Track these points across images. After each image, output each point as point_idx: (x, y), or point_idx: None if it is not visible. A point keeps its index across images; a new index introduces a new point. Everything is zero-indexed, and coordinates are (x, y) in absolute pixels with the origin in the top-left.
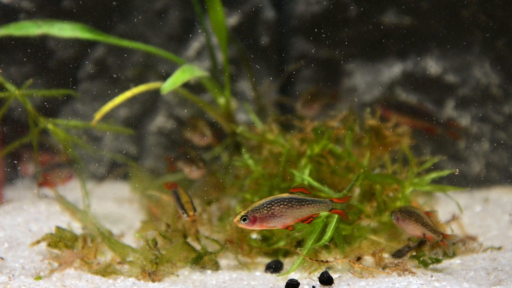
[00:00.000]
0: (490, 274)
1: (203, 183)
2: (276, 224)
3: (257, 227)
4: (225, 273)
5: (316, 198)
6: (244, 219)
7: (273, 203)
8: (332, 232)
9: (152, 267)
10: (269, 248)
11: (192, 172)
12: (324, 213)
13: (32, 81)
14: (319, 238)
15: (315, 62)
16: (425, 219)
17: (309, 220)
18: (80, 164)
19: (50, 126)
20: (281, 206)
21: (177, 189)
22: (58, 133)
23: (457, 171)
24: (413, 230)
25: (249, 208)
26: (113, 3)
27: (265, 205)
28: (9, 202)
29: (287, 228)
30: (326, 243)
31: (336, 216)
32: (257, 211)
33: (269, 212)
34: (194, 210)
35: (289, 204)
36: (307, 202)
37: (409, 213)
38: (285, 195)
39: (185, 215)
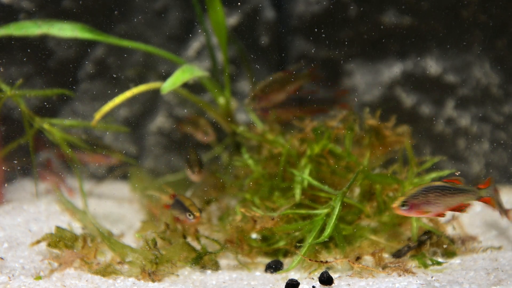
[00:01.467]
0: (490, 274)
1: (203, 183)
2: (430, 210)
3: (413, 213)
4: (225, 273)
5: (465, 187)
6: (404, 204)
7: (429, 189)
8: (332, 229)
9: (152, 267)
10: (269, 248)
11: (193, 175)
12: (323, 212)
13: (22, 81)
14: (318, 237)
15: (315, 62)
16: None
17: (461, 208)
18: (78, 164)
19: (46, 125)
20: (436, 193)
21: (177, 197)
22: (54, 133)
23: (457, 172)
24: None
25: (408, 195)
26: (115, 12)
27: (421, 192)
28: (9, 202)
29: (439, 215)
30: (325, 239)
31: (336, 213)
32: (415, 197)
33: (425, 199)
34: (200, 211)
35: (443, 192)
36: (458, 191)
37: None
38: (438, 183)
39: (191, 217)
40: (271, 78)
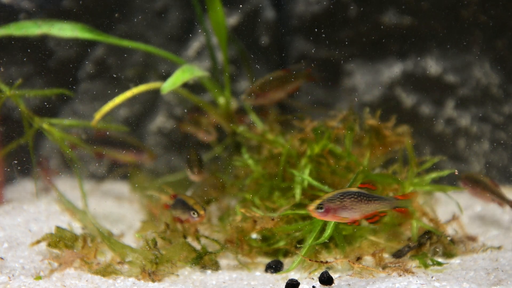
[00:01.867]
0: (490, 274)
1: (203, 183)
2: (346, 216)
3: (329, 217)
4: (225, 273)
5: (381, 196)
6: (320, 207)
7: (345, 195)
8: (332, 230)
9: (152, 267)
10: (269, 248)
11: (193, 175)
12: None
13: (21, 81)
14: (318, 237)
15: (315, 62)
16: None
17: (374, 218)
18: (78, 163)
19: (45, 125)
20: (352, 199)
21: (179, 196)
22: (54, 133)
23: (457, 172)
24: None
25: (325, 198)
26: (116, 15)
27: (338, 196)
28: (9, 202)
29: (354, 222)
30: (326, 240)
31: None
32: (331, 201)
33: (341, 204)
34: (204, 209)
35: (359, 198)
36: (374, 198)
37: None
38: (354, 189)
39: (195, 215)
40: (270, 77)
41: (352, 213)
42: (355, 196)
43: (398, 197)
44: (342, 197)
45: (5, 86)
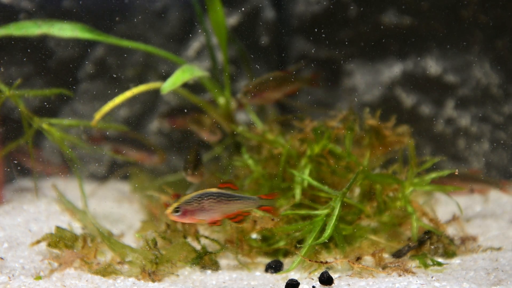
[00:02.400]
0: (490, 274)
1: (202, 183)
2: (205, 218)
3: (187, 220)
4: (225, 273)
5: (244, 195)
6: (176, 210)
7: (203, 196)
8: (332, 230)
9: (152, 267)
10: (269, 248)
11: (188, 176)
12: (323, 212)
13: (20, 81)
14: (318, 237)
15: (315, 62)
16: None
17: (237, 218)
18: (78, 163)
19: (44, 125)
20: (211, 200)
21: (180, 197)
22: (53, 133)
23: (457, 172)
24: None
25: (181, 201)
26: (116, 18)
27: (195, 198)
28: (9, 202)
29: (214, 223)
30: (325, 240)
31: (336, 214)
32: (189, 203)
33: (200, 205)
34: None
35: (218, 199)
36: (235, 198)
37: None
38: (214, 189)
39: None
40: (269, 77)
41: (212, 214)
42: (215, 197)
43: (262, 197)
44: (200, 199)
45: (4, 86)
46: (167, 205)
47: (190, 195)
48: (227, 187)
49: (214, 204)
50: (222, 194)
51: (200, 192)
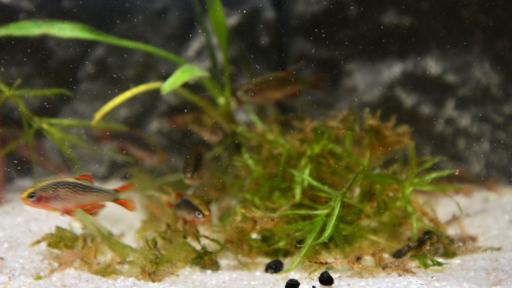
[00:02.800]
0: (490, 274)
1: (202, 184)
2: (58, 206)
3: (41, 206)
4: (225, 273)
5: (100, 187)
6: (31, 196)
7: (59, 184)
8: (332, 230)
9: (152, 267)
10: (269, 248)
11: (186, 179)
12: (323, 212)
13: (20, 81)
14: (318, 237)
15: (315, 62)
16: None
17: (92, 210)
18: (78, 163)
19: (44, 125)
20: (66, 189)
21: (184, 196)
22: (53, 133)
23: (457, 171)
24: None
25: (37, 187)
26: (117, 21)
27: (51, 185)
28: (9, 202)
29: (68, 213)
30: (325, 240)
31: (336, 214)
32: (44, 190)
33: (55, 193)
34: (209, 210)
35: (74, 189)
36: (91, 190)
37: None
38: (71, 179)
39: (200, 215)
40: (271, 77)
41: (66, 203)
42: (71, 187)
43: (119, 189)
44: (55, 187)
45: (4, 86)
46: (170, 205)
47: (46, 181)
48: (84, 179)
49: (69, 194)
50: (78, 185)
51: (56, 180)
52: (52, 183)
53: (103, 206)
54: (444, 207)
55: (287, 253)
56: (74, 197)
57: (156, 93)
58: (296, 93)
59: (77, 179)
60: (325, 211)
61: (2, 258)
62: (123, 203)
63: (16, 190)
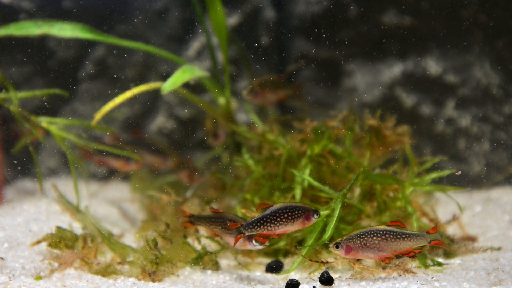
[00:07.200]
0: (490, 274)
1: (202, 184)
2: (370, 255)
3: (351, 256)
4: (225, 273)
5: (412, 232)
6: (337, 246)
7: (367, 234)
8: (332, 231)
9: (152, 267)
10: (269, 248)
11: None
12: (324, 213)
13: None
14: (319, 238)
15: (315, 62)
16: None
17: (410, 254)
18: (78, 164)
19: (44, 124)
20: (375, 238)
21: (223, 214)
22: (53, 131)
23: (458, 172)
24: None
25: (345, 237)
26: (117, 24)
27: (358, 235)
28: (9, 202)
29: (383, 260)
30: (326, 241)
31: (336, 215)
32: (351, 240)
33: (361, 243)
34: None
35: (383, 237)
36: (403, 236)
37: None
38: (382, 227)
39: (257, 244)
40: (270, 77)
41: (378, 252)
42: (380, 235)
43: (430, 231)
44: (362, 236)
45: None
46: (185, 214)
47: (354, 231)
48: (396, 225)
49: (380, 242)
50: (388, 232)
51: (365, 229)
52: (360, 233)
53: (420, 251)
54: (444, 207)
55: (287, 253)
56: (386, 244)
57: (156, 93)
58: (285, 99)
59: (388, 225)
60: (326, 212)
61: (2, 258)
62: (439, 244)
63: (16, 190)
